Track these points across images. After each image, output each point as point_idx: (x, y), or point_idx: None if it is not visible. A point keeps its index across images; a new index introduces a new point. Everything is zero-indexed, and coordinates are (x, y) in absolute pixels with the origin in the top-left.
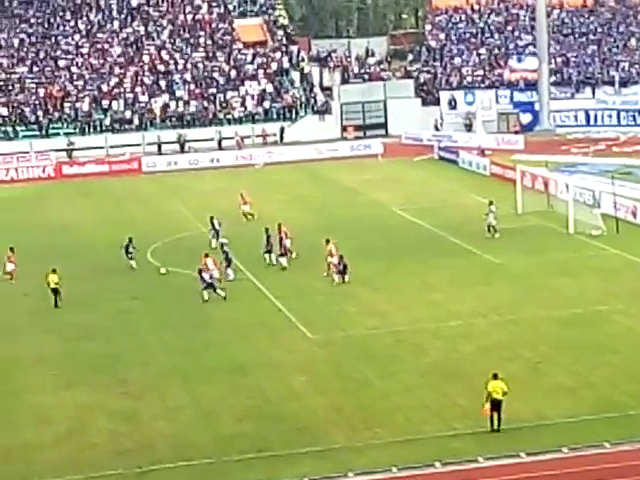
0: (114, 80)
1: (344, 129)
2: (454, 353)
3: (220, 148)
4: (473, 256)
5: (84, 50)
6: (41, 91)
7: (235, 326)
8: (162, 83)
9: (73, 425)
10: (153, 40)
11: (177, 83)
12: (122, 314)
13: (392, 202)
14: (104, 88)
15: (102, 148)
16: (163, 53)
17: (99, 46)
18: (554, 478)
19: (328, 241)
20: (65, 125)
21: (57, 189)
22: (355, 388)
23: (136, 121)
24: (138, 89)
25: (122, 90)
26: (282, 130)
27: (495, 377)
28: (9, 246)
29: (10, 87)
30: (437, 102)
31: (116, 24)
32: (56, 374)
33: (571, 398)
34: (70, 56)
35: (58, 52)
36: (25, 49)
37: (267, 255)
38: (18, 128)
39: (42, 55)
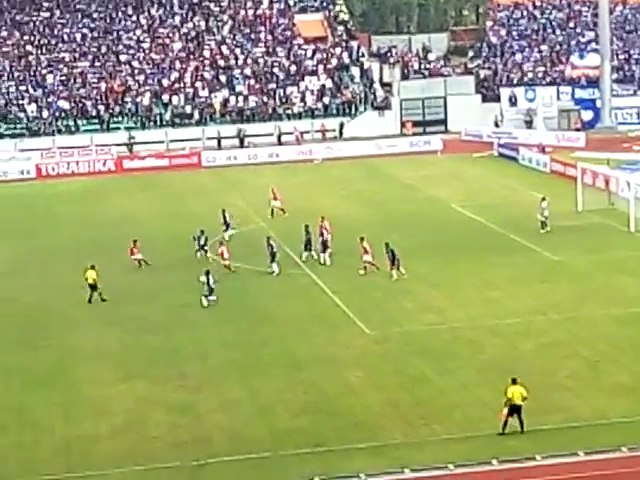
0: (175, 75)
1: (403, 125)
2: (512, 351)
3: (279, 143)
4: (532, 253)
5: (145, 45)
6: (102, 85)
7: (293, 321)
8: (222, 78)
9: (131, 417)
10: (214, 35)
11: (237, 78)
12: (181, 308)
13: (451, 199)
14: (165, 83)
15: (162, 142)
16: (223, 48)
17: (160, 41)
18: (612, 477)
19: (362, 239)
20: (126, 119)
21: (117, 183)
22: (412, 384)
23: (196, 116)
24: (198, 84)
25: (182, 85)
26: (341, 125)
27: (514, 382)
28: (133, 239)
29: (72, 81)
30: (497, 99)
31: (177, 19)
32: (115, 367)
33: (630, 397)
34: (131, 51)
35: (120, 47)
36: (87, 44)
37: (306, 253)
38: (79, 122)
39: (104, 50)
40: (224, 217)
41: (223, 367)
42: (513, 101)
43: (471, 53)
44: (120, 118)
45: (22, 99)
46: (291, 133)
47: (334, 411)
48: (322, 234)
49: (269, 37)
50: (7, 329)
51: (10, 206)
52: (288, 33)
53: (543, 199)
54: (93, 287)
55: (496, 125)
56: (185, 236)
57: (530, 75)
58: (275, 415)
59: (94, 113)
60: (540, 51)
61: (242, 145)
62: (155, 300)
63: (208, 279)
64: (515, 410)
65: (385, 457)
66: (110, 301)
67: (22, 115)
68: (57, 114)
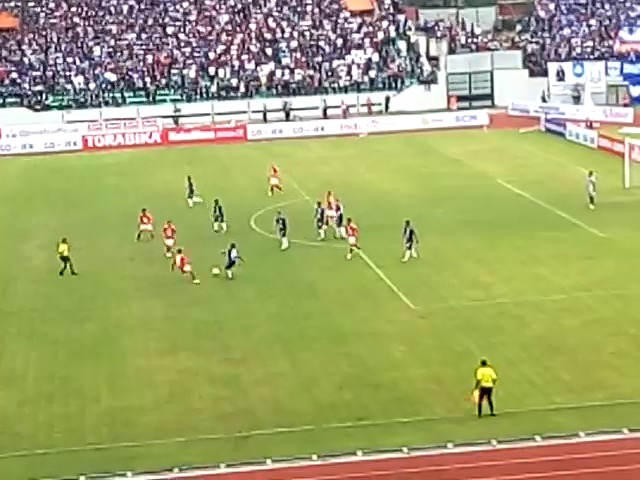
0: (221, 47)
1: (449, 100)
2: (557, 327)
3: (325, 117)
4: (579, 230)
5: (192, 17)
6: (149, 58)
7: (337, 295)
8: (268, 51)
9: (175, 389)
10: (260, 8)
11: (283, 51)
12: (226, 281)
13: (497, 174)
14: (211, 55)
15: (208, 115)
16: (270, 21)
17: (207, 13)
18: None
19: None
20: (172, 92)
21: (163, 155)
22: (456, 359)
23: (242, 89)
24: (244, 57)
25: (229, 58)
26: (387, 99)
27: (484, 364)
28: (142, 208)
29: (119, 53)
30: (545, 73)
31: None
32: (160, 339)
33: None
34: (178, 23)
35: (166, 19)
36: (134, 16)
37: (320, 230)
38: (126, 94)
39: (150, 22)
40: (216, 208)
41: (267, 340)
42: (561, 76)
43: (519, 27)
44: (166, 90)
45: (69, 71)
46: (338, 107)
47: (377, 385)
48: (338, 208)
49: (316, 10)
50: (54, 300)
51: (57, 177)
52: (335, 6)
53: (590, 173)
54: (65, 259)
55: (543, 100)
56: (230, 209)
57: (578, 50)
58: (319, 388)
59: (140, 85)
60: (589, 25)
61: (287, 118)
62: (200, 272)
63: (230, 251)
64: (485, 392)
65: (428, 432)
66: (155, 273)
67: (69, 87)
68: (104, 86)
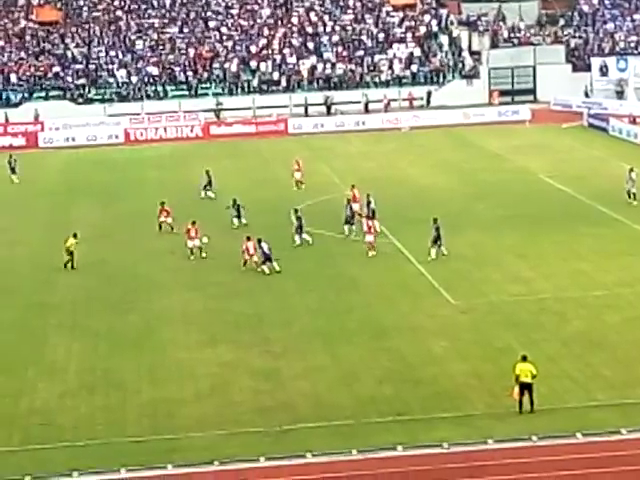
0: (263, 41)
1: (491, 94)
2: (599, 323)
3: (366, 111)
4: (621, 225)
5: (234, 11)
6: (191, 51)
7: (378, 289)
8: (310, 45)
9: (216, 382)
10: (302, 2)
11: (325, 45)
12: (267, 274)
13: (539, 169)
14: (253, 49)
15: (249, 109)
16: (312, 15)
17: (249, 7)
18: None
19: (370, 217)
20: (214, 85)
21: (204, 149)
22: (496, 355)
23: (283, 82)
24: (286, 51)
25: (270, 51)
26: (429, 94)
27: (524, 359)
28: (160, 201)
29: (161, 47)
30: (588, 68)
31: None
32: (200, 331)
33: None
34: (220, 17)
35: (208, 13)
36: (176, 9)
37: (347, 226)
38: (168, 88)
39: (192, 16)
40: (235, 205)
41: (307, 334)
42: (604, 71)
43: (562, 22)
44: (208, 84)
45: (112, 64)
46: (379, 101)
47: (417, 380)
48: (369, 203)
49: (357, 4)
50: (96, 292)
51: (99, 170)
52: (377, 0)
53: (631, 170)
54: (71, 253)
55: (586, 95)
56: (271, 202)
57: (622, 44)
58: (359, 382)
59: (182, 79)
60: (633, 20)
61: (329, 112)
62: (239, 266)
63: (261, 246)
64: (525, 388)
65: (468, 427)
66: (195, 266)
67: (112, 80)
68: (146, 79)
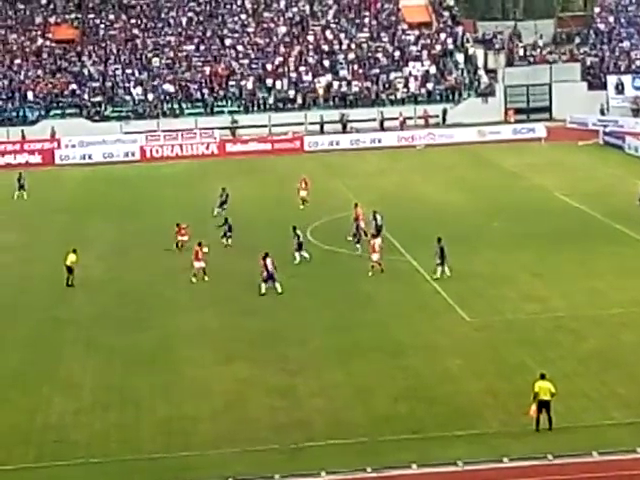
0: (278, 59)
1: (506, 112)
2: (615, 341)
3: (382, 129)
4: (637, 243)
5: (250, 29)
6: (207, 69)
7: (393, 307)
8: (326, 63)
9: (231, 399)
10: (318, 20)
11: (341, 63)
12: (283, 292)
13: (555, 187)
14: (269, 67)
15: (265, 126)
16: (327, 33)
17: (265, 25)
18: None
19: (375, 235)
20: (229, 103)
21: (220, 166)
22: (512, 373)
23: (299, 100)
24: (302, 68)
25: (286, 69)
26: (444, 112)
27: (542, 377)
28: (176, 222)
29: (177, 65)
30: (604, 86)
31: (282, 3)
32: (216, 349)
33: None
34: (236, 35)
35: (224, 31)
36: (192, 27)
37: (358, 245)
38: (184, 105)
39: (209, 34)
40: (226, 223)
41: (323, 351)
42: (620, 89)
43: (578, 40)
44: (224, 102)
45: (128, 82)
46: (395, 119)
47: (433, 398)
48: (375, 219)
49: (373, 22)
50: (111, 309)
51: (115, 187)
52: (393, 18)
53: None
54: (70, 270)
55: (602, 113)
56: (287, 220)
57: (638, 62)
58: (374, 400)
59: (198, 96)
60: None
61: (344, 130)
62: (255, 283)
63: (266, 264)
64: (543, 406)
65: (483, 445)
66: (211, 283)
67: (128, 98)
68: (162, 97)
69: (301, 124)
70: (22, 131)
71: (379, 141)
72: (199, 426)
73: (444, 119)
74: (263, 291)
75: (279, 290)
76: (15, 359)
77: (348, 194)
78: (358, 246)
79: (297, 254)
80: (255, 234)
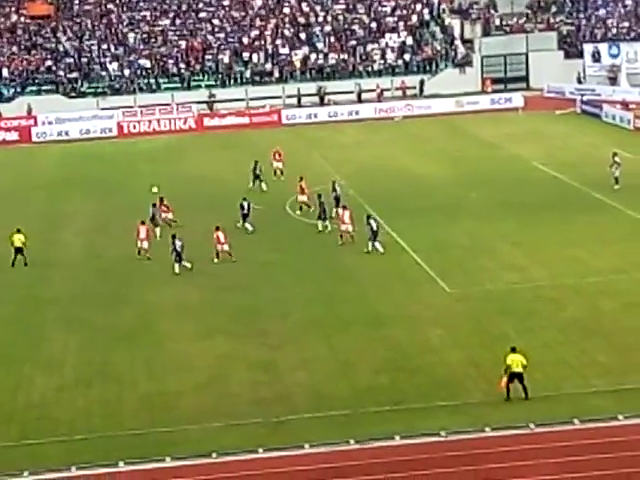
0: (255, 32)
1: (484, 82)
2: (594, 310)
3: (359, 101)
4: (616, 212)
5: (225, 2)
6: (183, 43)
7: (374, 279)
8: (302, 35)
9: (213, 373)
10: None
11: (317, 35)
12: (263, 266)
13: (533, 156)
14: (245, 40)
15: (242, 100)
16: (303, 5)
17: None
18: None
19: (217, 228)
20: (206, 77)
21: (198, 141)
22: (493, 343)
23: (276, 73)
24: (278, 41)
25: (262, 42)
26: (422, 83)
27: (513, 350)
28: (159, 196)
29: (153, 40)
30: (580, 55)
31: None
32: (196, 323)
33: None
34: (211, 8)
35: (200, 5)
36: (167, 2)
37: (320, 222)
38: (160, 80)
39: (184, 8)
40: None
41: (304, 325)
42: (596, 57)
43: (554, 8)
44: (201, 76)
45: (104, 57)
46: (373, 90)
47: (414, 369)
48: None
49: None
50: (91, 285)
51: (92, 164)
52: None
53: (615, 154)
54: (19, 250)
55: (579, 82)
56: (266, 194)
57: (614, 31)
58: (356, 373)
59: (175, 71)
60: (625, 6)
61: (322, 103)
62: (236, 258)
63: (174, 243)
64: (516, 377)
65: (466, 415)
66: (191, 259)
67: (104, 73)
68: (138, 72)
69: (278, 97)
70: None
71: (357, 113)
72: (181, 401)
73: (421, 90)
74: (177, 270)
75: (188, 266)
76: None
77: (327, 167)
78: (320, 222)
79: (242, 223)
80: (234, 208)
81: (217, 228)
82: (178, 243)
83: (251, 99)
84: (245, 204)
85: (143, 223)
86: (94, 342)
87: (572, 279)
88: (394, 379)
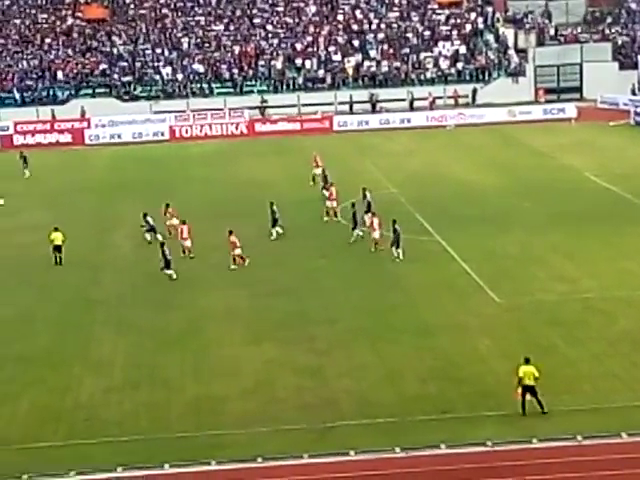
0: (308, 39)
1: (537, 92)
2: None
3: (411, 108)
4: None
5: (279, 9)
6: (236, 49)
7: (422, 288)
8: (355, 42)
9: (260, 379)
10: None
11: (370, 43)
12: (311, 272)
13: (585, 167)
14: (298, 47)
15: (294, 106)
16: (357, 12)
17: (294, 5)
18: None
19: (231, 232)
20: (259, 83)
21: (249, 146)
22: (541, 354)
23: (329, 80)
24: (331, 48)
25: (315, 49)
26: (474, 91)
27: (527, 362)
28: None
29: (207, 44)
30: (635, 66)
31: None
32: (245, 329)
33: None
34: (266, 14)
35: (254, 10)
36: (222, 7)
37: (354, 232)
38: (213, 85)
39: (238, 13)
40: (146, 221)
41: (352, 331)
42: None
43: (609, 19)
44: (253, 81)
45: (158, 62)
46: (425, 99)
47: (462, 378)
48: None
49: (403, 2)
50: (141, 289)
51: (144, 167)
52: None
53: None
54: (58, 248)
55: (633, 93)
56: (316, 201)
57: None
58: (403, 381)
59: (228, 76)
60: None
61: (374, 110)
62: (284, 263)
63: (163, 250)
64: (528, 390)
65: (513, 426)
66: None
67: (157, 77)
68: (191, 77)
69: (330, 104)
70: (52, 110)
71: (408, 121)
72: (228, 405)
73: (474, 99)
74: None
75: (174, 277)
76: (46, 339)
77: (377, 174)
78: (354, 233)
79: (273, 230)
80: (284, 213)
81: (230, 233)
82: (167, 251)
83: (303, 105)
84: (276, 209)
85: (184, 223)
86: (143, 345)
87: (623, 291)
88: (441, 388)
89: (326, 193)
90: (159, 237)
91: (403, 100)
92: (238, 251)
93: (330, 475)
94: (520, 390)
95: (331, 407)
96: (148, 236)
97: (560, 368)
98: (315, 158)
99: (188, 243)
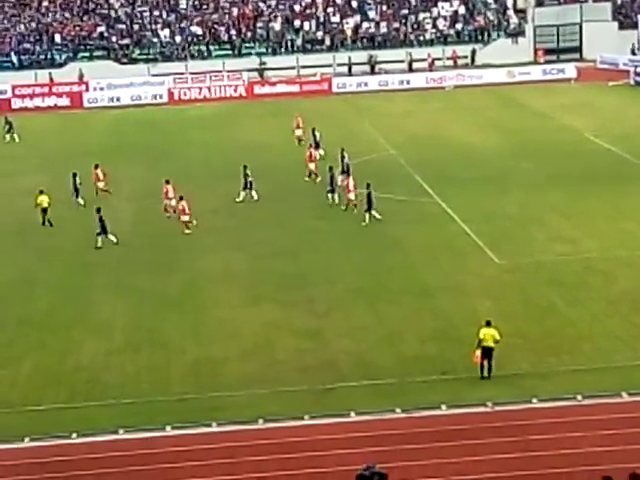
0: (306, 0)
1: (536, 53)
2: None
3: (410, 70)
4: None
5: None
6: (234, 11)
7: (422, 249)
8: (354, 4)
9: (259, 341)
10: None
11: (369, 4)
12: (309, 233)
13: (585, 128)
14: (296, 8)
15: (293, 68)
16: None
17: None
18: None
19: (181, 198)
20: (257, 45)
21: (248, 108)
22: (541, 314)
23: (327, 42)
24: (330, 9)
25: (314, 10)
26: (474, 52)
27: (488, 324)
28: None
29: (205, 6)
30: (635, 26)
31: None
32: (243, 290)
33: None
34: None
35: None
36: None
37: (330, 195)
38: (211, 47)
39: None
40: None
41: (351, 293)
42: None
43: None
44: (251, 44)
45: (155, 24)
46: (424, 60)
47: (462, 339)
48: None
49: None
50: (140, 252)
51: (143, 130)
52: None
53: None
54: (44, 211)
55: (633, 53)
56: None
57: None
58: (402, 342)
59: (226, 38)
60: None
61: (373, 71)
62: (282, 226)
63: (100, 217)
64: (486, 352)
65: (512, 386)
66: (238, 226)
67: (155, 40)
68: (190, 39)
69: (329, 66)
70: (50, 74)
71: (407, 82)
72: (228, 367)
73: (473, 60)
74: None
75: (114, 240)
76: (46, 302)
77: (377, 136)
78: (329, 196)
79: (242, 192)
80: (282, 175)
81: (181, 198)
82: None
83: (302, 67)
84: (249, 172)
85: (168, 182)
86: (142, 308)
87: (623, 252)
88: (441, 349)
89: (322, 153)
90: (80, 201)
91: (402, 61)
92: (186, 218)
93: (330, 436)
94: (479, 352)
95: (331, 369)
96: (81, 200)
97: (560, 328)
98: (297, 119)
99: (186, 218)
